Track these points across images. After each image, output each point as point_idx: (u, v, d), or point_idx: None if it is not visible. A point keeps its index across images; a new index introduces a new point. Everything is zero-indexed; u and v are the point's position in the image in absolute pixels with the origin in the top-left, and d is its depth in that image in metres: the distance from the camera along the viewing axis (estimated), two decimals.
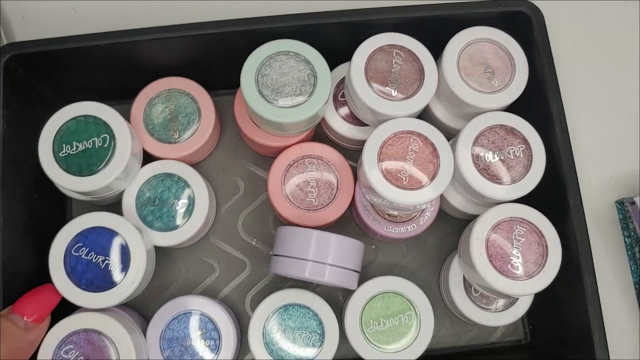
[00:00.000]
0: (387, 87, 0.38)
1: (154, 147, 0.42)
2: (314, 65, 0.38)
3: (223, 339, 0.39)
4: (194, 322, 0.39)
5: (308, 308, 0.39)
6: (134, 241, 0.37)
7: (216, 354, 0.39)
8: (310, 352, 0.38)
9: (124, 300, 0.37)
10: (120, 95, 0.45)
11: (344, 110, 0.43)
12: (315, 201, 0.41)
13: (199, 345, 0.39)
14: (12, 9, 0.50)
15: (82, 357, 0.36)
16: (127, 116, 0.42)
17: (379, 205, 0.40)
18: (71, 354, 0.36)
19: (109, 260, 0.36)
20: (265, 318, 0.39)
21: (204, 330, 0.39)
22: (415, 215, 0.42)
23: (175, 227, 0.40)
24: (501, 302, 0.41)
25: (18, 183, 0.40)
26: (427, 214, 0.42)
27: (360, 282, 0.40)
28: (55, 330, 0.36)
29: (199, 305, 0.40)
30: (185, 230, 0.40)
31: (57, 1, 0.50)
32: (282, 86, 0.37)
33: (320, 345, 0.38)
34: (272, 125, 0.39)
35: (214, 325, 0.39)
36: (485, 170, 0.38)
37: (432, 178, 0.37)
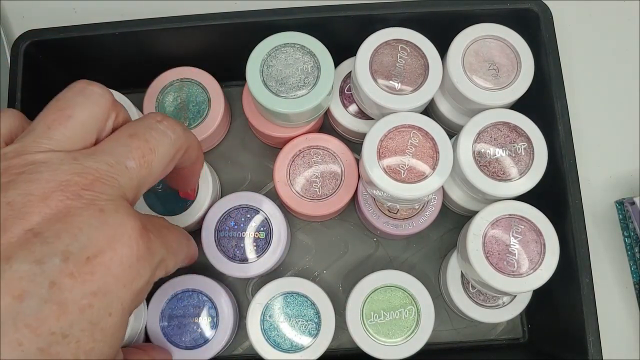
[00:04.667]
0: (391, 81, 0.39)
1: None
2: (318, 58, 0.38)
3: (221, 318, 0.40)
4: (193, 301, 0.40)
5: (306, 297, 0.40)
6: None
7: (214, 332, 0.40)
8: (306, 340, 0.39)
9: None
10: (136, 84, 0.46)
11: (351, 104, 0.44)
12: (319, 191, 0.42)
13: (197, 323, 0.40)
14: (12, 9, 0.51)
15: None
16: (140, 104, 0.44)
17: (379, 198, 0.40)
18: None
19: None
20: (264, 304, 0.39)
21: (203, 308, 0.40)
22: (415, 213, 0.42)
23: (178, 212, 0.41)
24: (499, 299, 0.41)
25: None
26: (427, 213, 0.42)
27: (363, 275, 0.40)
28: None
29: (199, 284, 0.41)
30: (188, 216, 0.41)
31: (57, 1, 0.51)
32: (286, 77, 0.38)
33: (316, 334, 0.39)
34: (276, 115, 0.39)
35: (212, 304, 0.40)
36: (486, 167, 0.38)
37: (431, 172, 0.37)
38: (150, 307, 0.40)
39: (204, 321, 0.40)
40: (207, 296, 0.40)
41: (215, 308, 0.40)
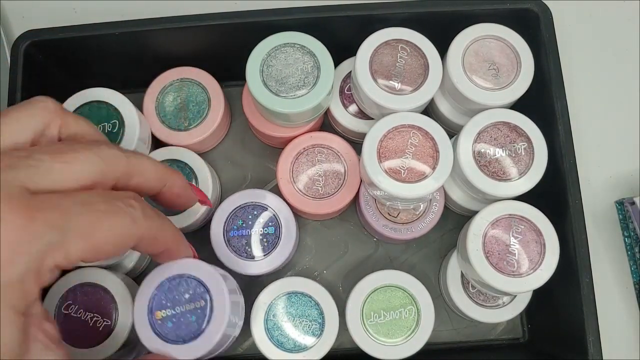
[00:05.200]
0: (390, 81, 0.39)
1: (165, 135, 0.43)
2: (318, 58, 0.38)
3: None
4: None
5: (310, 297, 0.39)
6: None
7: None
8: (310, 340, 0.39)
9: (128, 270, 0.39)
10: (136, 84, 0.46)
11: (351, 104, 0.44)
12: (322, 190, 0.42)
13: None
14: (12, 9, 0.51)
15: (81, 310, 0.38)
16: (140, 104, 0.44)
17: (380, 198, 0.40)
18: (71, 309, 0.38)
19: None
20: (268, 303, 0.39)
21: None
22: (415, 219, 0.42)
23: (179, 213, 0.41)
24: (499, 299, 0.41)
25: None
26: (427, 219, 0.42)
27: (363, 275, 0.40)
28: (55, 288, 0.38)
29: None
30: (187, 216, 0.41)
31: (57, 1, 0.51)
32: (286, 77, 0.38)
33: (320, 334, 0.39)
34: (276, 115, 0.39)
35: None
36: (486, 167, 0.38)
37: (431, 172, 0.37)
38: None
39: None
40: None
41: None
